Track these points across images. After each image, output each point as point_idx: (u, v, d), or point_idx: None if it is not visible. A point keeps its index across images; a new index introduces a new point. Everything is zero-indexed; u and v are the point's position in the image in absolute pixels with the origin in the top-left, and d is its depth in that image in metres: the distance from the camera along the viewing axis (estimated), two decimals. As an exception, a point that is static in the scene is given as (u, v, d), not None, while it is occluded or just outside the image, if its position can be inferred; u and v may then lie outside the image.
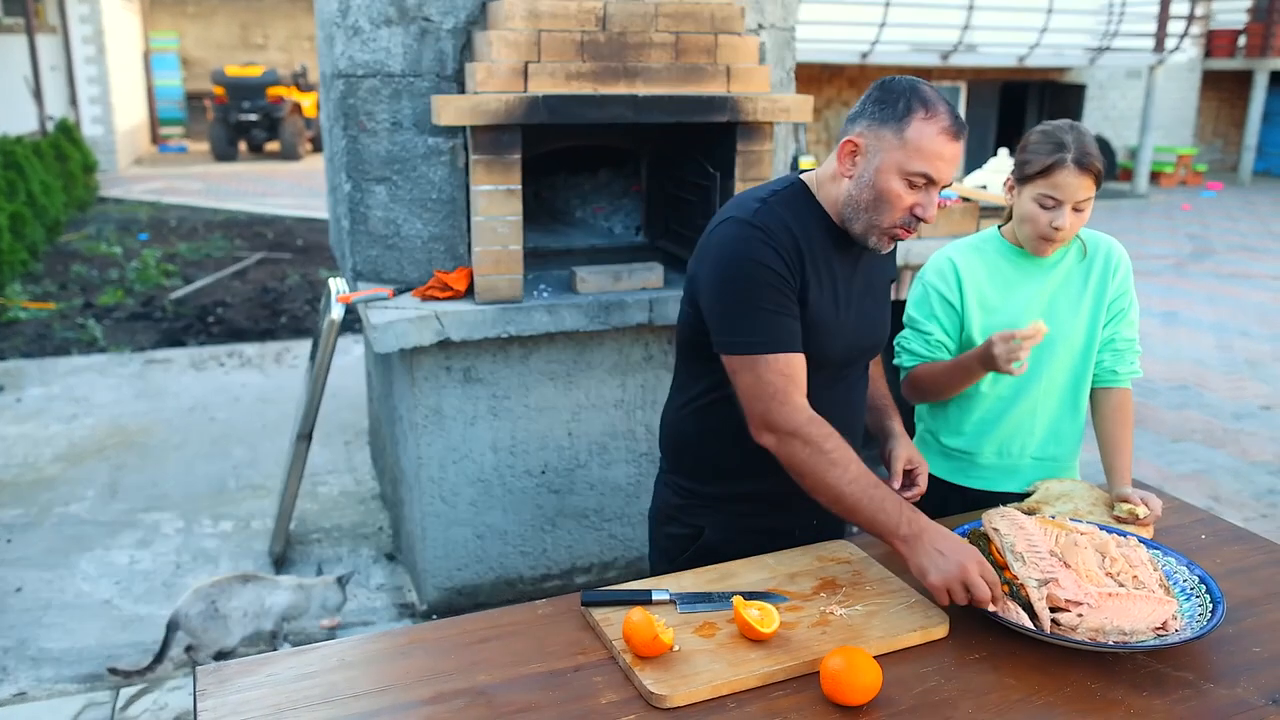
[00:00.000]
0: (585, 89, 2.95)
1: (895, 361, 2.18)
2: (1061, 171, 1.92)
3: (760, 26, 3.44)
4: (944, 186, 1.71)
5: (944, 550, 1.59)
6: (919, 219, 1.70)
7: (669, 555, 1.99)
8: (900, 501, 1.66)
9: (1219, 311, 8.01)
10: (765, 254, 1.69)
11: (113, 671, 2.97)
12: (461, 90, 3.09)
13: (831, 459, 1.66)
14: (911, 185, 1.68)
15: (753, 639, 1.54)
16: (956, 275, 2.09)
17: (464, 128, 3.03)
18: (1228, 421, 5.46)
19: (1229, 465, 4.82)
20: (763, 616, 1.54)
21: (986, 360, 1.94)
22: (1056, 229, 1.95)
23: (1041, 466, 2.17)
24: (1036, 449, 2.16)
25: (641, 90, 2.99)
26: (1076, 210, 1.95)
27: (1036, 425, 2.14)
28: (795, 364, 1.70)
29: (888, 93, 1.69)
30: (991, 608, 1.56)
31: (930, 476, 2.21)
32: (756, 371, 1.70)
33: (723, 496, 1.93)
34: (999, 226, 2.15)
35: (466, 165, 3.10)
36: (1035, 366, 2.09)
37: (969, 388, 2.12)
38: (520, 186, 2.96)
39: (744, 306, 1.70)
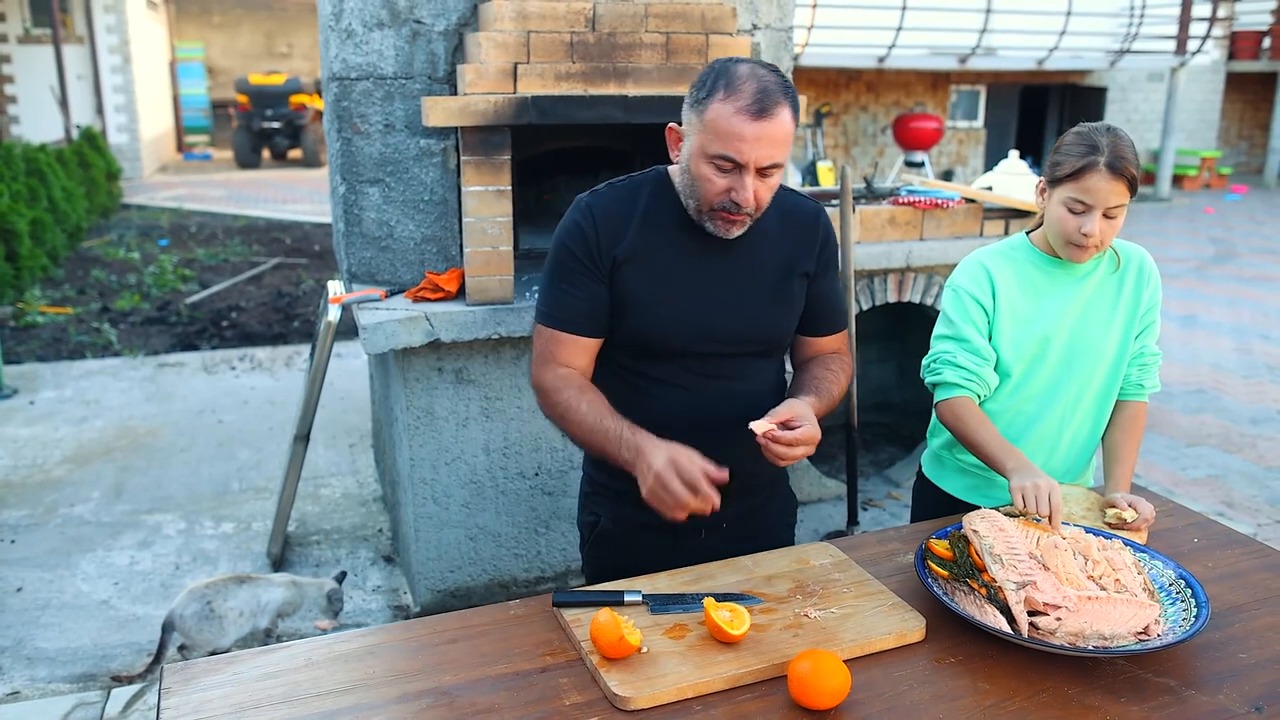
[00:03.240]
0: (575, 89, 2.93)
1: (931, 378, 2.06)
2: (1093, 175, 1.84)
3: (755, 27, 3.41)
4: (765, 168, 1.63)
5: (651, 464, 1.57)
6: (739, 205, 1.64)
7: (582, 544, 2.05)
8: (624, 430, 1.65)
9: (1239, 315, 7.89)
10: (574, 235, 1.76)
11: (115, 678, 2.99)
12: (453, 92, 3.08)
13: (563, 408, 1.74)
14: (720, 170, 1.63)
15: (723, 641, 1.51)
16: (990, 280, 2.00)
17: (455, 129, 3.03)
18: (1245, 426, 5.35)
19: (1244, 470, 4.72)
20: (733, 618, 1.52)
21: (1011, 469, 1.86)
22: (1086, 235, 1.87)
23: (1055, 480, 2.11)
24: (1058, 464, 2.09)
25: (632, 91, 2.97)
26: (1108, 217, 1.87)
27: (1061, 441, 2.07)
28: (560, 340, 1.78)
29: (703, 75, 1.66)
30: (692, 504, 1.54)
31: (945, 494, 2.18)
32: (535, 336, 1.83)
33: (613, 487, 1.94)
34: (1028, 232, 2.08)
35: (458, 167, 3.10)
36: (1065, 381, 2.03)
37: (991, 404, 2.05)
38: (510, 187, 2.95)
39: (546, 279, 1.82)
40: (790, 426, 1.64)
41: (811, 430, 1.63)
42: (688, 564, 1.78)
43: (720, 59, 1.66)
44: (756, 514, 1.95)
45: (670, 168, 1.81)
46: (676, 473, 1.55)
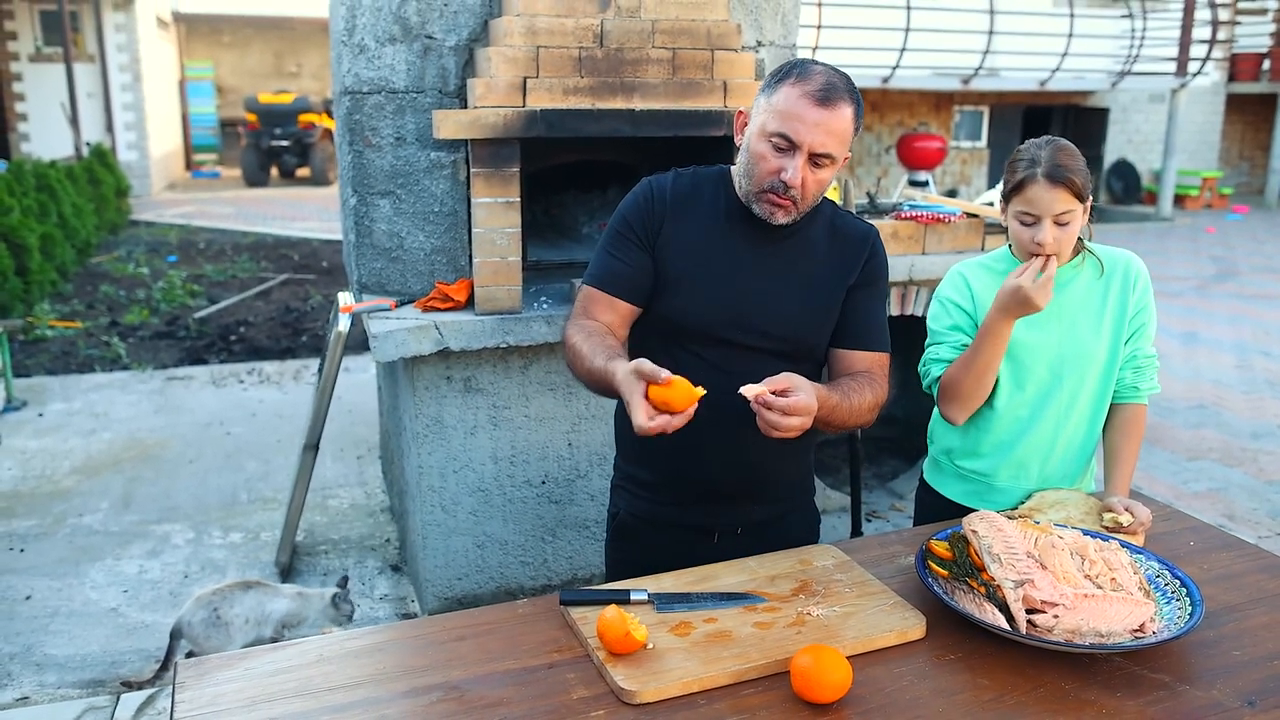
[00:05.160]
0: (583, 104, 2.99)
1: (925, 383, 2.13)
2: (1032, 186, 1.90)
3: (760, 44, 3.47)
4: (818, 156, 1.70)
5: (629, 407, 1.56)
6: (787, 186, 1.71)
7: (606, 534, 2.10)
8: (607, 367, 1.65)
9: (1240, 332, 7.93)
10: (630, 206, 1.86)
11: (125, 684, 3.01)
12: (463, 106, 3.14)
13: (573, 352, 1.77)
14: (777, 149, 1.71)
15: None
16: (969, 288, 2.08)
17: (465, 142, 3.08)
18: (1245, 441, 5.39)
19: (1245, 484, 4.75)
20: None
21: (1005, 308, 1.91)
22: (1038, 244, 1.93)
23: (1052, 485, 2.14)
24: (1054, 468, 2.13)
25: (639, 105, 3.03)
26: (1060, 224, 1.92)
27: (1056, 445, 2.10)
28: (595, 298, 1.84)
29: (780, 66, 1.76)
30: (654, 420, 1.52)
31: (943, 498, 2.21)
32: (576, 298, 1.89)
33: (634, 479, 1.99)
34: (1010, 245, 2.14)
35: (468, 179, 3.15)
36: (1056, 387, 2.07)
37: (986, 408, 2.10)
38: (519, 199, 3.01)
39: (598, 247, 1.89)
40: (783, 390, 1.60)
41: (807, 400, 1.58)
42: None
43: (800, 58, 1.77)
44: (774, 525, 1.96)
45: (733, 168, 1.87)
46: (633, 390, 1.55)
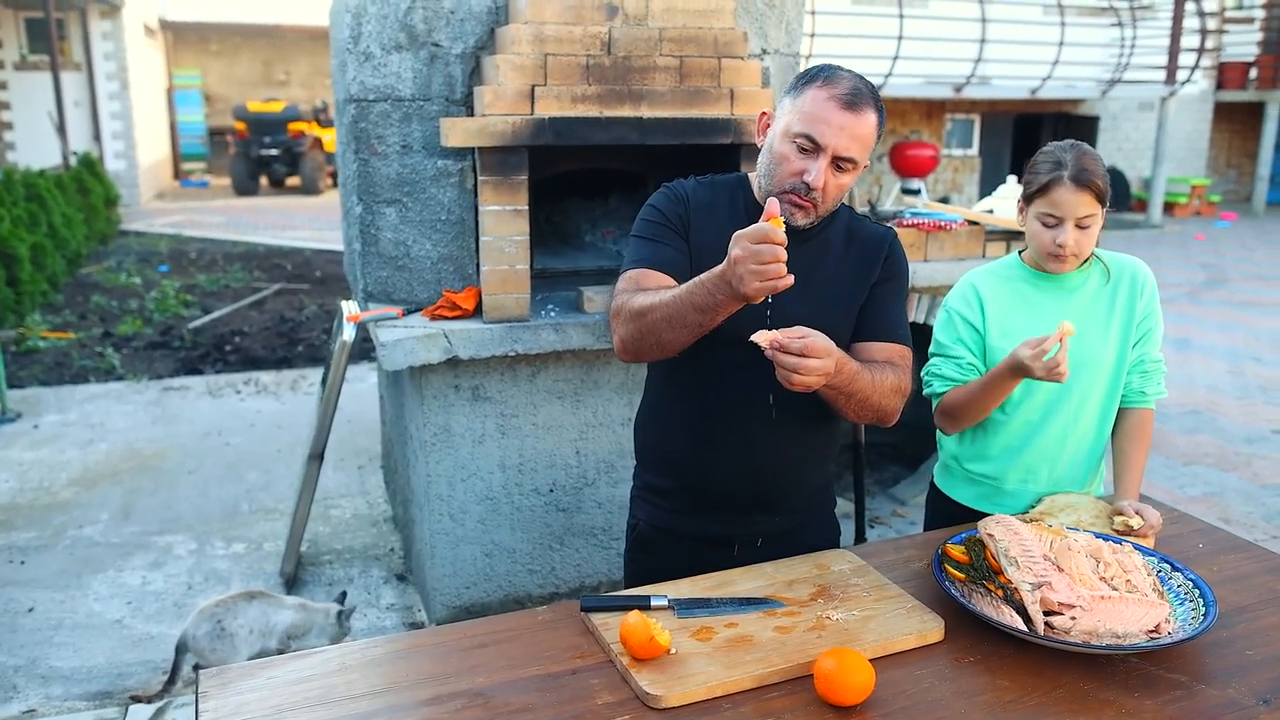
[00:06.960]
0: (591, 111, 3.00)
1: (925, 391, 2.16)
2: (1059, 189, 1.94)
3: (764, 51, 3.50)
4: (841, 160, 1.72)
5: (728, 259, 1.54)
6: (809, 187, 1.72)
7: (625, 545, 2.10)
8: (701, 276, 1.62)
9: (1232, 338, 8.01)
10: (661, 202, 1.87)
11: (134, 698, 3.00)
12: (470, 114, 3.16)
13: (639, 304, 1.70)
14: (801, 150, 1.72)
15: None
16: (979, 298, 2.11)
17: (472, 150, 3.10)
18: (1239, 445, 5.44)
19: (1240, 488, 4.80)
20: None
21: (1017, 369, 1.91)
22: (1060, 246, 1.97)
23: (1061, 489, 2.16)
24: (1063, 472, 2.15)
25: (646, 113, 3.05)
26: (1081, 227, 1.97)
27: (1065, 449, 2.13)
28: (646, 275, 1.80)
29: (807, 70, 1.78)
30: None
31: (954, 503, 2.25)
32: (618, 285, 1.82)
33: (653, 488, 1.99)
34: (1020, 252, 2.17)
35: (475, 187, 3.16)
36: (1065, 392, 2.09)
37: (996, 412, 2.12)
38: (527, 207, 3.02)
39: (632, 242, 1.87)
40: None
41: (824, 342, 1.56)
42: None
43: (826, 64, 1.79)
44: (792, 536, 1.96)
45: (752, 174, 1.88)
46: (748, 243, 1.51)
